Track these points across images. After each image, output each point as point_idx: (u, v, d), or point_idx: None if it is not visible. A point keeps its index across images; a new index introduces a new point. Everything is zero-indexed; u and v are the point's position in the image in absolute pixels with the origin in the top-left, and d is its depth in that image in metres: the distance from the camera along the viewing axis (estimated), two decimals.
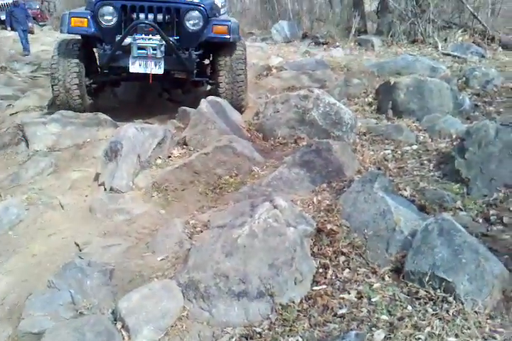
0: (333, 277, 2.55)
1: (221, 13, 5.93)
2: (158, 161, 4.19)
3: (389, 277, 2.52)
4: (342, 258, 2.65)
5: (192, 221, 3.24)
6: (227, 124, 4.62)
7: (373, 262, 2.63)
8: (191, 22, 5.26)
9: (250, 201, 2.96)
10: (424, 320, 2.18)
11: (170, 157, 4.31)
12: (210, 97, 5.02)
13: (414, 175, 3.57)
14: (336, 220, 2.85)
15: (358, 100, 5.82)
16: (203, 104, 4.73)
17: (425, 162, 3.83)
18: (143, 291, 2.44)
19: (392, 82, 5.38)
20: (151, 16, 5.19)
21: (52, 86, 5.51)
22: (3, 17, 18.28)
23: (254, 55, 10.30)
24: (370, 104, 5.61)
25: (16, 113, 6.15)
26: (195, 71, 5.55)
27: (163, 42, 5.09)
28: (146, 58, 5.13)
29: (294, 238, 2.55)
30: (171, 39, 5.14)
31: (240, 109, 5.53)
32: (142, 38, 5.09)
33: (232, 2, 26.09)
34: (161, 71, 5.20)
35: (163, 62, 5.17)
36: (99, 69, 5.85)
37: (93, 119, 5.37)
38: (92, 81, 5.80)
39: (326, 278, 2.55)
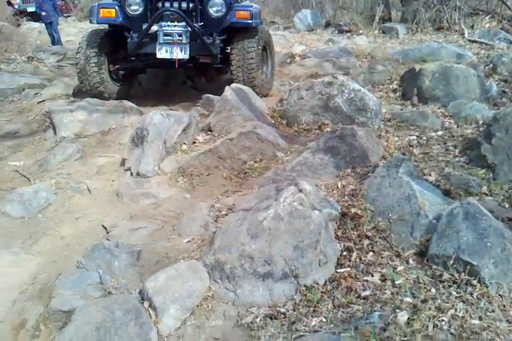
0: (357, 260, 2.56)
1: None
2: (184, 147, 4.24)
3: (413, 260, 2.52)
4: (366, 242, 2.66)
5: (217, 205, 3.28)
6: (251, 111, 4.64)
7: (397, 246, 2.63)
8: (214, 8, 5.42)
9: (275, 185, 2.97)
10: (447, 303, 2.18)
11: (195, 143, 4.35)
12: (233, 84, 5.05)
13: (440, 161, 3.54)
14: (360, 204, 2.86)
15: (383, 87, 5.77)
16: (228, 91, 4.76)
17: (451, 148, 3.79)
18: (169, 272, 2.49)
19: (417, 69, 5.32)
20: (175, 5, 5.36)
21: (77, 73, 5.79)
22: (30, 9, 18.57)
23: (278, 43, 10.26)
24: (394, 91, 5.57)
25: (44, 101, 6.26)
26: (219, 56, 5.68)
27: (188, 28, 5.26)
28: (172, 44, 5.32)
29: (319, 221, 2.56)
30: (195, 25, 5.30)
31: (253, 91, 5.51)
32: (168, 25, 5.29)
33: None
34: (186, 56, 5.37)
35: (188, 48, 5.34)
36: (128, 57, 5.99)
37: (118, 107, 5.46)
38: (117, 67, 5.97)
39: (350, 260, 2.56)
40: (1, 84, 7.08)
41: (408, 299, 2.24)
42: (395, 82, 5.77)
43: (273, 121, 4.74)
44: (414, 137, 4.09)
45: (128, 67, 6.12)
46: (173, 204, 3.52)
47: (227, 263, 2.48)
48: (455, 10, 10.99)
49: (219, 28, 5.53)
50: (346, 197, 2.98)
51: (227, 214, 3.10)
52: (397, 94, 5.48)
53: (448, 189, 3.02)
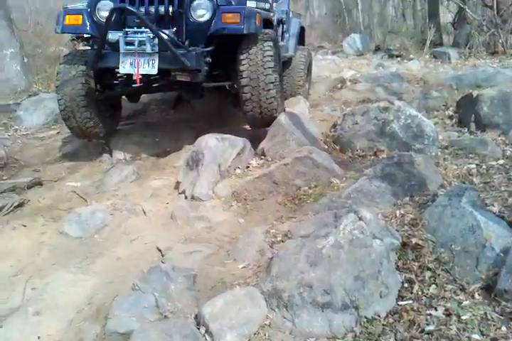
0: (419, 292, 2.48)
1: (247, 5, 4.64)
2: (238, 171, 4.25)
3: (479, 295, 2.41)
4: (428, 274, 2.58)
5: (272, 230, 3.25)
6: (305, 136, 4.62)
7: (461, 279, 2.53)
8: (198, 12, 4.32)
9: (333, 212, 2.93)
10: None
11: (248, 167, 4.35)
12: (287, 110, 5.05)
13: (502, 191, 3.41)
14: (421, 234, 2.78)
15: (438, 113, 5.65)
16: (281, 115, 4.76)
17: None
18: (226, 297, 2.47)
19: (474, 95, 5.19)
20: (152, 9, 4.32)
21: (59, 105, 4.85)
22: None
23: (327, 67, 10.31)
24: (450, 117, 5.44)
25: None
26: (202, 72, 4.46)
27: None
28: (136, 55, 4.26)
29: (381, 250, 2.51)
30: (165, 32, 4.21)
31: (270, 122, 4.67)
32: (134, 32, 4.25)
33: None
34: (154, 70, 4.28)
35: (156, 60, 4.24)
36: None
37: (173, 130, 5.56)
38: (105, 96, 5.17)
39: (411, 293, 2.48)
40: None
41: (476, 336, 2.15)
42: (450, 108, 5.65)
43: (326, 147, 4.70)
44: (474, 165, 3.95)
45: (115, 94, 5.34)
46: (227, 229, 3.51)
47: (285, 291, 2.44)
48: (511, 33, 10.73)
49: (203, 36, 4.35)
50: (406, 227, 2.91)
51: (282, 241, 3.07)
52: (454, 120, 5.35)
53: None
